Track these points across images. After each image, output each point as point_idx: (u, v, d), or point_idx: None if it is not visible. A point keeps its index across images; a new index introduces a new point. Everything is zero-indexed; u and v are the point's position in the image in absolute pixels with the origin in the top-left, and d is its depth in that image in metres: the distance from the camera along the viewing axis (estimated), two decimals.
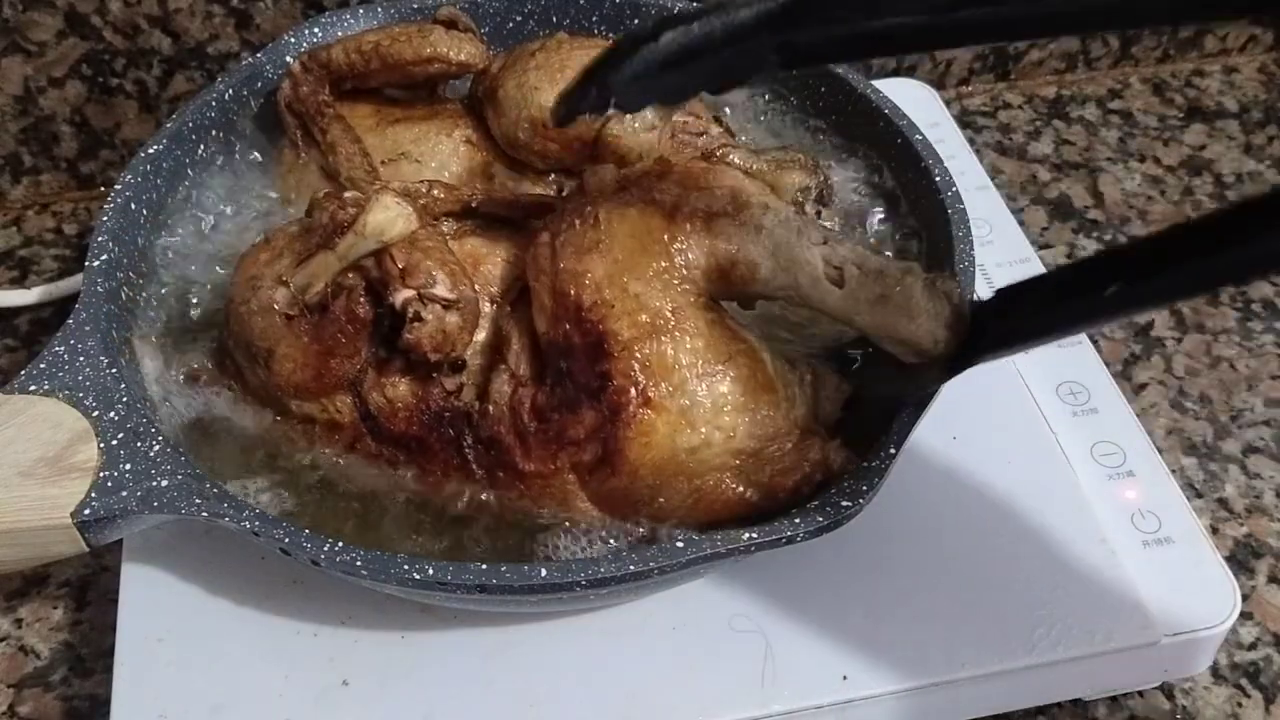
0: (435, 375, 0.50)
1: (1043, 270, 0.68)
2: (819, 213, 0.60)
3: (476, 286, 0.50)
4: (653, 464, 0.48)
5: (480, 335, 0.51)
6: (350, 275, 0.50)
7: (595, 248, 0.48)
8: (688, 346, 0.48)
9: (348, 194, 0.52)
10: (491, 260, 0.53)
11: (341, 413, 0.51)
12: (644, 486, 0.49)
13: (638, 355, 0.47)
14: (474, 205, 0.55)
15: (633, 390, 0.47)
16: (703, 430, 0.48)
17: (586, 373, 0.47)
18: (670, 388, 0.47)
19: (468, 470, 0.51)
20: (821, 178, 0.61)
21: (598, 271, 0.48)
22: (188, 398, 0.54)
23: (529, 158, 0.60)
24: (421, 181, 0.55)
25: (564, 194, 0.56)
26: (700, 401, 0.48)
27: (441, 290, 0.48)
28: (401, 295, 0.48)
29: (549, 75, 0.58)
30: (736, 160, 0.60)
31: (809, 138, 0.66)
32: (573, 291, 0.48)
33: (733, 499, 0.49)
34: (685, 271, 0.49)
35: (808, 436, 0.50)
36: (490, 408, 0.49)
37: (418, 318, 0.48)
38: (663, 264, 0.48)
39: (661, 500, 0.49)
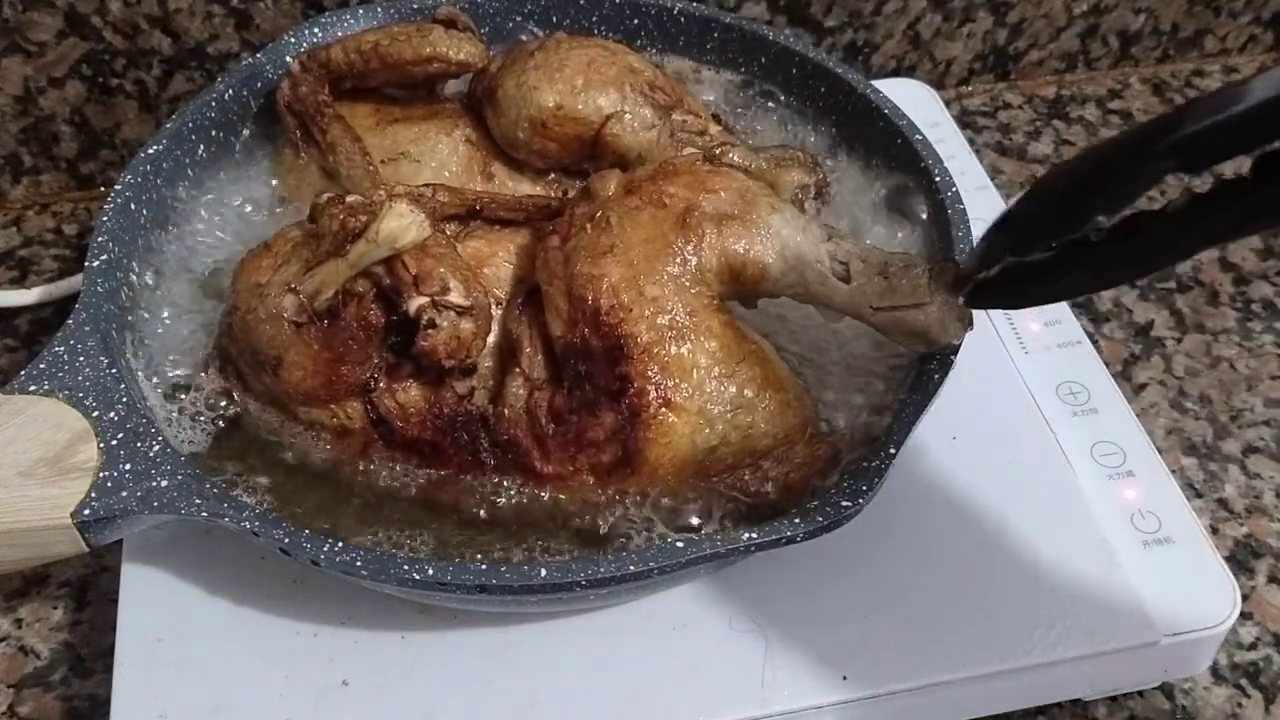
0: (446, 379, 0.50)
1: None
2: (819, 210, 0.60)
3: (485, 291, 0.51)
4: (672, 464, 0.49)
5: (489, 338, 0.51)
6: (359, 282, 0.50)
7: (610, 251, 0.49)
8: (705, 348, 0.49)
9: (350, 198, 0.52)
10: (493, 262, 0.53)
11: (352, 419, 0.51)
12: (663, 486, 0.50)
13: (657, 357, 0.48)
14: (477, 208, 0.55)
15: (653, 392, 0.48)
16: (720, 429, 0.49)
17: (606, 375, 0.48)
18: (689, 388, 0.48)
19: (482, 473, 0.51)
20: (820, 175, 0.61)
21: (614, 275, 0.49)
22: (185, 404, 0.54)
23: (528, 157, 0.60)
24: (425, 185, 0.55)
25: (567, 196, 0.56)
26: (718, 401, 0.49)
27: (456, 297, 0.48)
28: (416, 302, 0.48)
29: (548, 75, 0.58)
30: (736, 159, 0.60)
31: (808, 137, 0.65)
32: (589, 295, 0.48)
33: (750, 495, 0.50)
34: (699, 274, 0.50)
35: (818, 433, 0.51)
36: (506, 411, 0.49)
37: (432, 324, 0.48)
38: (677, 267, 0.49)
39: None
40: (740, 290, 0.51)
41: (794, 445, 0.51)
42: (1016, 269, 0.44)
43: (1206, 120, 0.36)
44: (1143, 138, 0.38)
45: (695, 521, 0.50)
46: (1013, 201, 0.43)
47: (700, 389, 0.48)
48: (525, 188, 0.60)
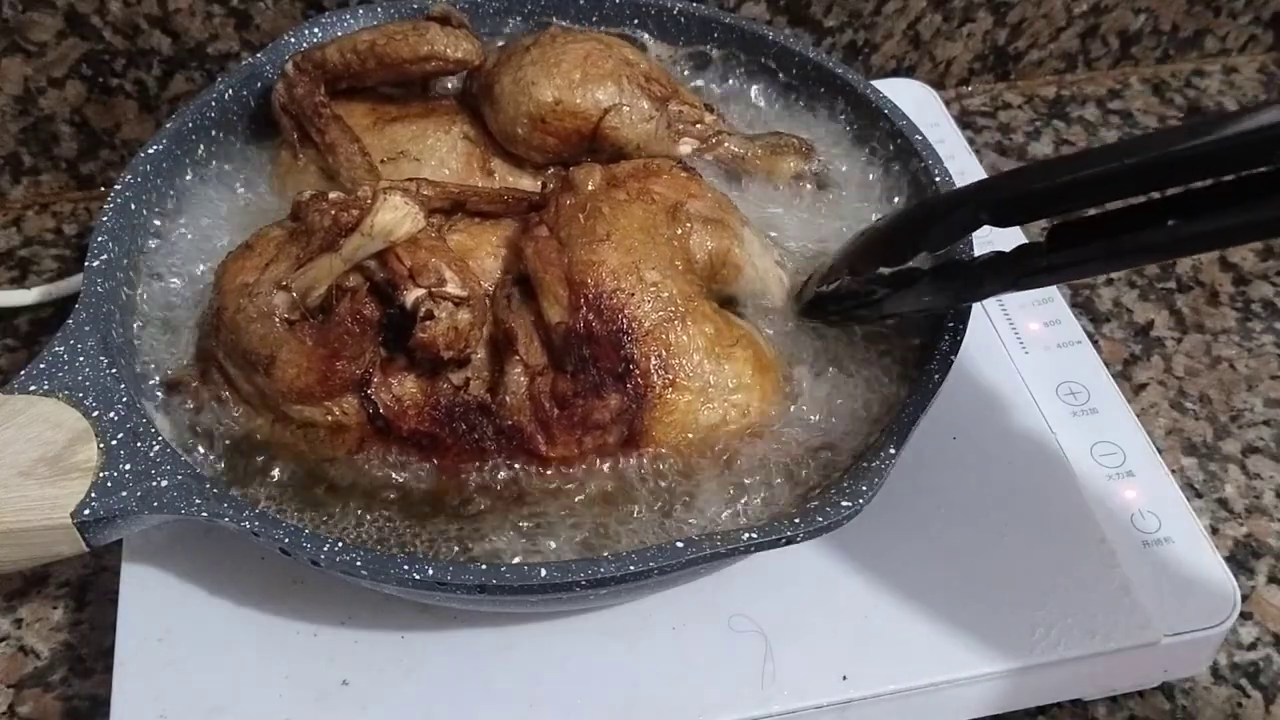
0: (441, 371, 0.50)
1: None
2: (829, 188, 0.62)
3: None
4: (676, 443, 0.50)
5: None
6: (351, 276, 0.50)
7: (607, 239, 0.50)
8: (704, 331, 0.50)
9: (333, 195, 0.52)
10: (478, 254, 0.53)
11: (348, 415, 0.51)
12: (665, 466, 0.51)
13: (660, 340, 0.50)
14: (461, 202, 0.55)
15: (657, 373, 0.50)
16: (720, 409, 0.50)
17: (610, 358, 0.49)
18: (691, 369, 0.50)
19: (483, 462, 0.51)
20: (816, 162, 0.62)
21: (612, 261, 0.50)
22: (176, 405, 0.54)
23: (527, 152, 0.60)
24: (409, 179, 0.55)
25: (546, 188, 0.57)
26: (718, 382, 0.50)
27: (452, 288, 0.49)
28: (413, 295, 0.48)
29: (545, 70, 0.58)
30: (733, 147, 0.60)
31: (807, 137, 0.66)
32: (590, 281, 0.49)
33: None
34: (689, 263, 0.52)
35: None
36: (508, 398, 0.50)
37: (430, 316, 0.48)
38: (670, 255, 0.51)
39: None
40: (713, 288, 0.53)
41: (788, 425, 0.52)
42: (845, 294, 0.52)
43: (1019, 189, 0.43)
44: (964, 198, 0.45)
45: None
46: (857, 234, 0.51)
47: (701, 369, 0.50)
48: (526, 183, 0.60)
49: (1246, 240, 0.39)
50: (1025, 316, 0.66)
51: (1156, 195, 0.39)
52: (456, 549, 0.49)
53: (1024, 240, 0.48)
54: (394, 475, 0.51)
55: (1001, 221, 0.43)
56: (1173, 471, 0.59)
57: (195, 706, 0.49)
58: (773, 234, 0.58)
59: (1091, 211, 0.42)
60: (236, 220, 0.61)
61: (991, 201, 0.43)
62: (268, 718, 0.49)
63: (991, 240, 0.49)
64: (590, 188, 0.53)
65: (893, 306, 0.51)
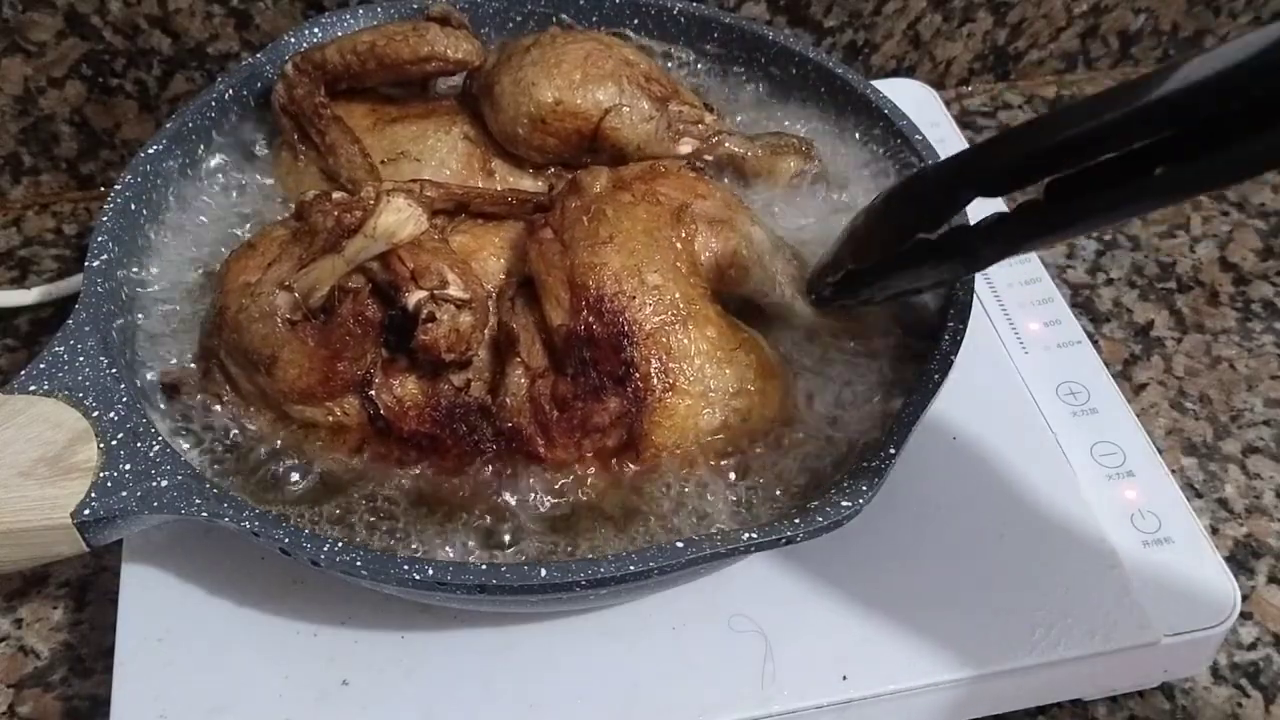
0: (442, 372, 0.51)
1: (1041, 267, 0.68)
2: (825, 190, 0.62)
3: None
4: (675, 447, 0.50)
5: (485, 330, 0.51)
6: (353, 277, 0.50)
7: (610, 241, 0.50)
8: (705, 335, 0.50)
9: (337, 195, 0.52)
10: (481, 256, 0.53)
11: (349, 415, 0.52)
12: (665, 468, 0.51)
13: (660, 343, 0.49)
14: (464, 203, 0.55)
15: (657, 377, 0.49)
16: (720, 413, 0.50)
17: (610, 361, 0.49)
18: (692, 373, 0.50)
19: (483, 463, 0.51)
20: (817, 162, 0.62)
21: (614, 264, 0.50)
22: (176, 405, 0.54)
23: (528, 152, 0.60)
24: (413, 181, 0.55)
25: (553, 190, 0.57)
26: (719, 386, 0.50)
27: (454, 290, 0.49)
28: (415, 297, 0.48)
29: (545, 70, 0.58)
30: (733, 147, 0.61)
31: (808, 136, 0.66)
32: (592, 283, 0.49)
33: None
34: (693, 266, 0.52)
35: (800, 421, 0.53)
36: (508, 400, 0.50)
37: (431, 318, 0.48)
38: (675, 258, 0.51)
39: None
40: (721, 289, 0.53)
41: (791, 428, 0.52)
42: (850, 276, 0.50)
43: (1005, 159, 0.41)
44: (954, 173, 0.44)
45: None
46: (855, 219, 0.50)
47: (702, 374, 0.50)
48: (526, 183, 0.60)
49: (1243, 178, 0.38)
50: (1025, 316, 0.66)
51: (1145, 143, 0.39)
52: (456, 549, 0.50)
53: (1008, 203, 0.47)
54: (394, 475, 0.52)
55: (990, 192, 0.42)
56: (1173, 471, 0.59)
57: (195, 706, 0.49)
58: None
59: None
60: (237, 220, 0.61)
61: (979, 174, 0.43)
62: (268, 718, 0.49)
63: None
64: (597, 190, 0.53)
65: (898, 284, 0.50)
